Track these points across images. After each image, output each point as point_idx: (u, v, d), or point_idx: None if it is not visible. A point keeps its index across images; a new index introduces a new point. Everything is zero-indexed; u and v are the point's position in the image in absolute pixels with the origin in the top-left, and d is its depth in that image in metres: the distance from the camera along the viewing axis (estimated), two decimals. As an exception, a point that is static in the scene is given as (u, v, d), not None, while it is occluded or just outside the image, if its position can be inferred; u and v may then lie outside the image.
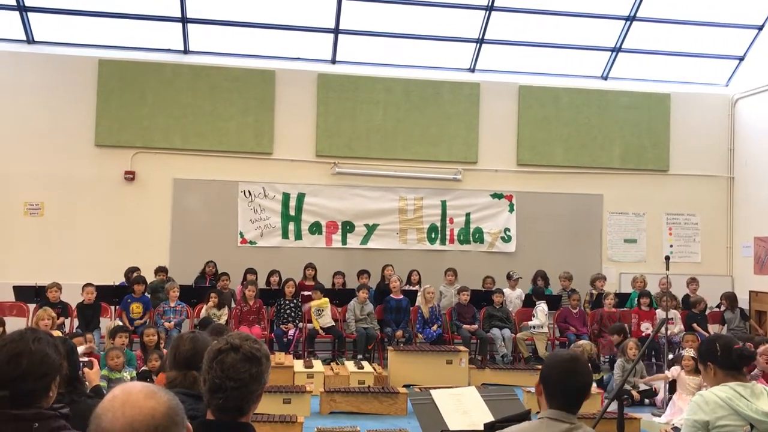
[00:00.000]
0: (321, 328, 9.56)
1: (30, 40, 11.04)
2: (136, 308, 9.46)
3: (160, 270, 10.24)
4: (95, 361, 4.09)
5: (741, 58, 12.36)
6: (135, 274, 9.87)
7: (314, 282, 10.51)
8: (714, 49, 12.20)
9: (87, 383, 3.80)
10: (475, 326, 9.92)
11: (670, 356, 8.16)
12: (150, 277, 10.04)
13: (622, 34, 11.73)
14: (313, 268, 10.65)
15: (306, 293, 10.19)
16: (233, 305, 9.96)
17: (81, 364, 3.73)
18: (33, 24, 10.94)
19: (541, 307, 10.01)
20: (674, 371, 7.48)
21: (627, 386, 7.76)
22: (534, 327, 9.88)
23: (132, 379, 6.70)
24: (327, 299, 9.77)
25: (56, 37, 11.07)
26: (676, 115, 12.35)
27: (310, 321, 9.75)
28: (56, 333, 7.62)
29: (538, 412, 2.67)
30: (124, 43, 11.20)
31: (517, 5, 11.19)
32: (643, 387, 8.12)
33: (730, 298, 10.53)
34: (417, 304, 10.14)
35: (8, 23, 10.79)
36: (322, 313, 9.63)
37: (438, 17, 11.27)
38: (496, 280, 10.93)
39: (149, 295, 9.75)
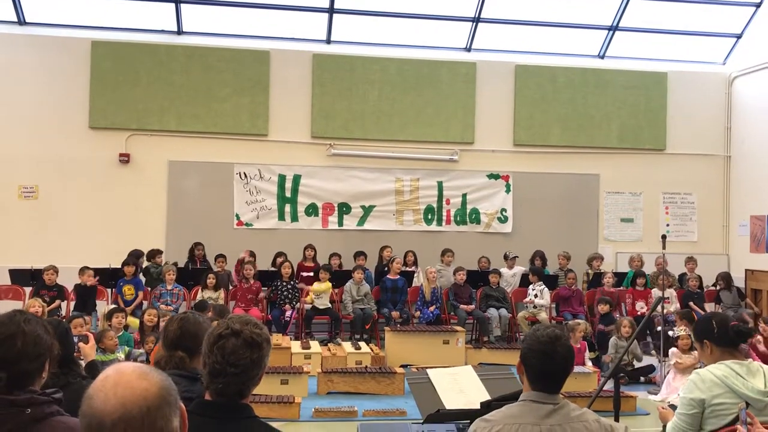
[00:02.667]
0: (314, 302, 9.56)
1: (21, 21, 10.92)
2: (128, 290, 9.47)
3: (156, 253, 10.21)
4: (91, 335, 4.07)
5: (738, 36, 12.28)
6: (132, 258, 9.88)
7: (314, 263, 10.51)
8: (711, 27, 12.12)
9: (82, 358, 3.80)
10: (472, 306, 9.94)
11: (670, 333, 8.19)
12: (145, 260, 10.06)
13: (619, 13, 11.65)
14: (313, 249, 10.64)
15: (305, 274, 10.20)
16: (230, 287, 9.97)
17: (77, 338, 3.72)
18: (24, 5, 10.81)
19: (541, 288, 10.02)
20: (674, 353, 7.49)
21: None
22: (536, 306, 9.90)
23: (126, 356, 6.73)
24: (330, 285, 9.77)
25: (48, 18, 10.95)
26: (673, 94, 12.31)
27: (307, 302, 9.77)
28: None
29: None
30: (117, 24, 11.08)
31: (514, -17, 11.10)
32: (638, 364, 8.17)
33: (725, 278, 10.56)
34: (416, 284, 10.16)
35: (-1, 4, 10.68)
36: (321, 297, 9.65)
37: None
38: (494, 261, 10.95)
39: (142, 277, 9.76)
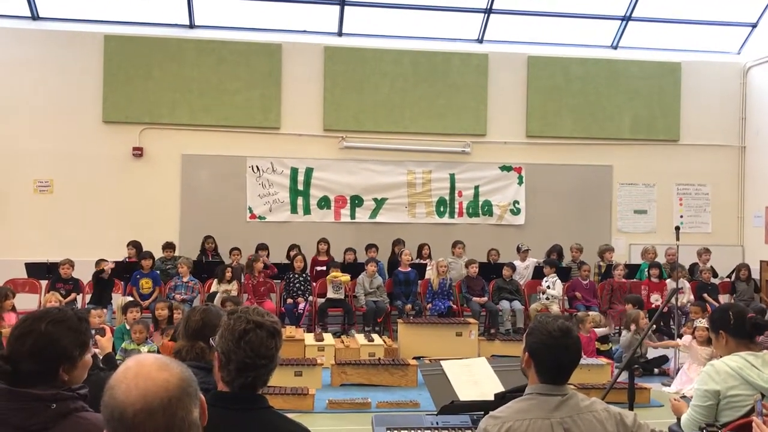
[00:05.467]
0: (333, 294, 9.61)
1: (35, 16, 10.98)
2: (145, 283, 9.53)
3: (168, 246, 10.28)
4: (108, 328, 4.11)
5: (754, 25, 12.16)
6: (134, 249, 9.96)
7: (327, 257, 10.53)
8: (726, 16, 12.00)
9: (99, 351, 3.83)
10: (485, 298, 9.93)
11: (683, 327, 8.16)
12: (158, 253, 10.13)
13: (633, 3, 11.55)
14: (326, 242, 10.66)
15: (320, 268, 10.22)
16: (243, 280, 10.02)
17: (94, 331, 3.75)
18: (38, 0, 10.87)
19: (554, 280, 10.02)
20: (686, 340, 7.48)
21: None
22: (548, 297, 9.89)
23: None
24: (348, 276, 9.78)
25: (61, 12, 11.02)
26: (687, 85, 12.20)
27: (320, 296, 9.80)
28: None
29: None
30: (129, 18, 11.13)
31: (526, -26, 11.04)
32: (653, 352, 8.16)
33: (749, 269, 10.55)
34: (427, 276, 10.16)
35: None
36: (339, 290, 9.67)
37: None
38: (507, 253, 10.91)
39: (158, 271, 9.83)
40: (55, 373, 2.14)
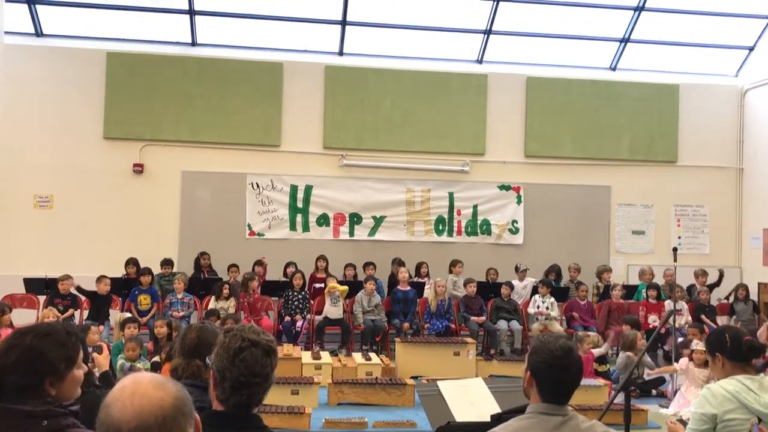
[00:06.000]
0: (331, 305, 9.59)
1: (39, 33, 11.07)
2: (143, 300, 9.51)
3: (166, 263, 10.28)
4: (105, 346, 4.10)
5: (751, 49, 12.26)
6: (133, 267, 9.96)
7: (326, 274, 10.53)
8: (723, 40, 12.11)
9: (96, 369, 3.83)
10: (483, 318, 9.91)
11: (683, 350, 8.15)
12: (157, 269, 10.13)
13: (631, 25, 11.66)
14: (325, 260, 10.66)
15: (318, 286, 10.22)
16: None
17: (92, 348, 3.74)
18: (41, 17, 10.97)
19: (551, 301, 10.00)
20: (683, 363, 7.47)
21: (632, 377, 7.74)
22: (546, 318, 9.86)
23: (146, 370, 6.78)
24: (346, 288, 9.77)
25: (64, 30, 11.11)
26: (685, 106, 12.28)
27: (318, 313, 9.78)
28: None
29: None
30: (132, 35, 11.22)
31: (525, -4, 11.15)
32: (650, 375, 8.14)
33: (747, 289, 10.55)
34: (425, 295, 10.13)
35: (17, 16, 10.81)
36: (338, 303, 9.65)
37: (445, 8, 11.23)
38: (504, 272, 10.91)
39: (157, 287, 9.83)
40: (40, 387, 2.12)
